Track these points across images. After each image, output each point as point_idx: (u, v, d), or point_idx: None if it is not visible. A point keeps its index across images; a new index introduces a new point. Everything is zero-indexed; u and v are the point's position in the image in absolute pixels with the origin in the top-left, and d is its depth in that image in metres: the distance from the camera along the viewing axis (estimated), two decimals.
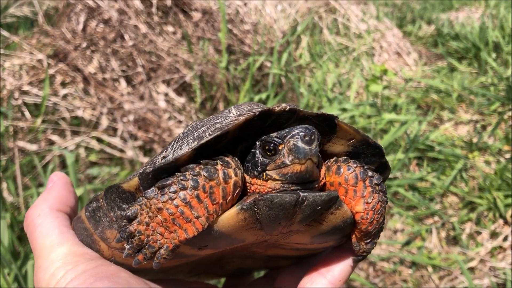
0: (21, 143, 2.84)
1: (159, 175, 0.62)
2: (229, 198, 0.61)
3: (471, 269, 2.37)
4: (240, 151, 0.68)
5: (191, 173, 0.60)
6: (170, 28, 3.75)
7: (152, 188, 0.60)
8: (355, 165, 0.68)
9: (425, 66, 5.00)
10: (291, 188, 0.63)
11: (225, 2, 4.10)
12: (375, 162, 0.74)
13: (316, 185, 0.66)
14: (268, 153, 0.64)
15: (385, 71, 3.82)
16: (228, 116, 0.68)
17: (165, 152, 0.67)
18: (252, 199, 0.59)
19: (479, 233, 2.61)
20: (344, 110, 3.44)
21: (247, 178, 0.66)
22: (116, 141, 2.92)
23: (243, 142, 0.69)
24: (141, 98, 3.24)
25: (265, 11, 4.45)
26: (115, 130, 3.02)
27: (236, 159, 0.64)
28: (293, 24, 4.88)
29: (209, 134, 0.61)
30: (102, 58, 3.37)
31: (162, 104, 3.21)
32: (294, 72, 3.75)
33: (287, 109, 0.64)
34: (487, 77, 4.34)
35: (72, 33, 3.49)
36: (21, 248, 2.20)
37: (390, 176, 2.89)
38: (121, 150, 2.90)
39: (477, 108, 3.74)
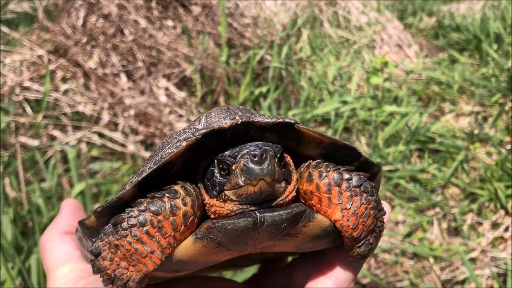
0: (22, 139, 2.85)
1: (116, 208, 0.61)
2: (182, 228, 0.59)
3: (472, 260, 2.37)
4: (204, 168, 0.66)
5: (138, 208, 0.59)
6: (170, 23, 3.75)
7: (108, 225, 0.60)
8: (328, 169, 0.63)
9: (426, 58, 4.99)
10: (250, 209, 0.60)
11: None
12: (354, 161, 0.68)
13: (281, 201, 0.62)
14: (223, 172, 0.61)
15: (385, 64, 3.82)
16: (194, 129, 0.66)
17: (142, 168, 0.67)
18: (205, 228, 0.58)
19: (480, 223, 2.61)
20: (345, 102, 3.44)
21: (207, 198, 0.64)
22: (117, 135, 2.92)
23: (207, 158, 0.66)
24: (142, 92, 3.25)
25: (265, 4, 4.44)
26: (116, 125, 3.03)
27: (188, 185, 0.62)
28: (293, 17, 4.86)
29: (149, 168, 0.61)
30: (103, 53, 3.37)
31: (162, 98, 3.22)
32: (295, 65, 3.75)
33: (239, 122, 0.61)
34: (488, 68, 4.32)
35: (72, 28, 3.49)
36: (24, 243, 2.22)
37: (391, 168, 2.90)
38: (123, 145, 2.91)
39: (478, 100, 3.73)
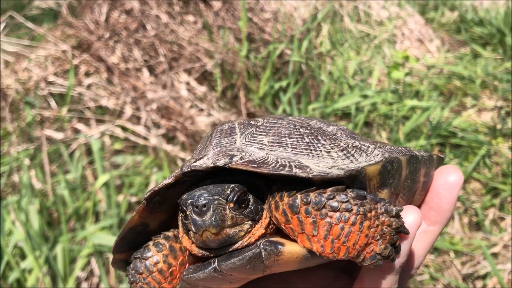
0: (48, 132, 2.92)
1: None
2: (165, 280, 0.64)
3: (494, 255, 2.36)
4: None
5: (129, 269, 0.66)
6: (191, 18, 3.78)
7: None
8: (283, 200, 0.57)
9: (448, 52, 4.93)
10: (211, 254, 0.60)
11: None
12: (329, 181, 0.57)
13: (241, 246, 0.59)
14: (182, 214, 0.61)
15: (407, 58, 3.79)
16: (181, 168, 0.66)
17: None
18: (180, 280, 0.62)
19: (502, 218, 2.59)
20: (365, 96, 3.43)
21: (183, 240, 0.64)
22: (139, 129, 2.97)
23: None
24: (164, 87, 3.29)
25: None
26: (138, 118, 3.08)
27: (161, 239, 0.66)
28: (314, 12, 4.85)
29: (115, 241, 0.67)
30: (125, 48, 3.42)
31: (183, 92, 3.25)
32: (315, 59, 3.75)
33: (179, 176, 0.61)
34: None
35: (95, 24, 3.55)
36: (50, 232, 2.28)
37: None
38: (145, 138, 2.95)
39: (501, 94, 3.68)
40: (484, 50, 4.74)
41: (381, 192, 0.62)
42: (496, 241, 2.41)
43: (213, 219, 0.55)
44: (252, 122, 0.70)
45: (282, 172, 0.56)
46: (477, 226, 2.59)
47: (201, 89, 3.36)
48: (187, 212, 0.57)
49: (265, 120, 0.70)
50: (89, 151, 2.87)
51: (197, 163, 0.61)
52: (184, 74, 3.41)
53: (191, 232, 0.59)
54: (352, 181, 0.58)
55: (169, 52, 3.47)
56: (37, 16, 4.34)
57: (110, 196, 2.37)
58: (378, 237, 0.56)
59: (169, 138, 3.04)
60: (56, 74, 3.33)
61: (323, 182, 0.57)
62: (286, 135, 0.66)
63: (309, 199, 0.55)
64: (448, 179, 0.67)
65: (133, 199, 2.53)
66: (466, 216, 2.64)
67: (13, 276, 1.98)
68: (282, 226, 0.58)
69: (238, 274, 0.58)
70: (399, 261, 0.60)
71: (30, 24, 3.66)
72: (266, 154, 0.62)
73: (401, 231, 0.58)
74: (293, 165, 0.57)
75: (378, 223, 0.56)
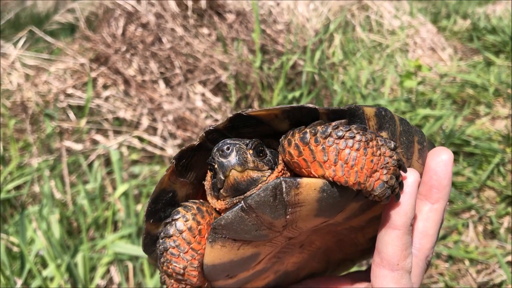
0: (67, 143, 2.99)
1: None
2: (196, 239, 0.67)
3: (510, 263, 2.36)
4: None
5: (160, 238, 0.69)
6: (205, 30, 3.85)
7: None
8: (294, 136, 0.64)
9: (460, 61, 4.94)
10: (240, 198, 0.64)
11: (258, 3, 4.17)
12: (323, 118, 0.66)
13: (263, 182, 0.64)
14: (211, 172, 0.67)
15: (419, 67, 3.81)
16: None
17: None
18: (211, 229, 0.65)
19: None
20: (378, 106, 3.45)
21: (212, 202, 0.69)
22: (156, 140, 3.03)
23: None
24: (179, 98, 3.35)
25: (298, 10, 4.50)
26: (155, 129, 3.14)
27: (189, 202, 0.70)
28: (326, 22, 4.90)
29: (145, 208, 0.72)
30: (142, 61, 3.50)
31: (199, 103, 3.31)
32: (327, 69, 3.79)
33: (203, 136, 0.67)
34: None
35: (112, 37, 3.64)
36: (70, 242, 2.33)
37: None
38: (162, 149, 3.01)
39: None
40: (497, 58, 4.74)
41: (380, 134, 0.68)
42: (511, 249, 2.41)
43: (236, 158, 0.61)
44: None
45: (293, 105, 0.64)
46: (492, 234, 2.59)
47: (216, 100, 3.42)
48: (215, 165, 0.63)
49: None
50: (107, 162, 2.94)
51: (218, 124, 0.68)
52: (199, 86, 3.47)
53: (221, 190, 0.65)
54: (352, 117, 0.66)
55: (184, 64, 3.54)
56: (56, 31, 4.45)
57: (128, 205, 2.43)
58: (383, 166, 0.62)
59: None
60: (75, 86, 3.42)
61: (328, 119, 0.65)
62: None
63: (316, 130, 0.62)
64: (442, 157, 0.74)
65: None
66: (481, 224, 2.65)
67: (35, 284, 2.03)
68: (295, 160, 0.64)
69: (263, 213, 0.61)
70: (407, 216, 0.66)
71: (49, 38, 3.77)
72: None
73: (401, 166, 0.65)
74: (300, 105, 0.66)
75: (380, 153, 0.62)
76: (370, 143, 0.62)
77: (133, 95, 3.29)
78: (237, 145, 0.62)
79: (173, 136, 3.10)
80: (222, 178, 0.62)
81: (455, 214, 2.73)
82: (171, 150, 2.95)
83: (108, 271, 2.23)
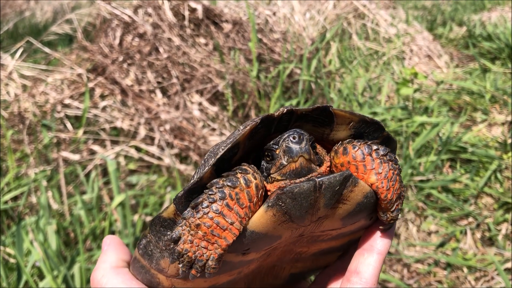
0: (64, 154, 2.99)
1: (191, 197, 0.69)
2: (255, 199, 0.67)
3: (508, 270, 2.35)
4: (253, 160, 0.76)
5: (217, 186, 0.67)
6: (202, 40, 3.87)
7: (187, 209, 0.68)
8: (359, 143, 0.74)
9: (456, 68, 4.96)
10: (295, 182, 0.69)
11: (255, 13, 4.20)
12: (378, 137, 0.80)
13: (314, 174, 0.71)
14: (268, 158, 0.72)
15: (415, 74, 3.83)
16: (238, 131, 0.74)
17: (193, 179, 0.74)
18: (275, 195, 0.65)
19: None
20: (375, 113, 3.46)
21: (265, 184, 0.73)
22: (153, 149, 3.03)
23: (253, 153, 0.76)
24: (177, 108, 3.36)
25: (294, 19, 4.53)
26: (152, 139, 3.14)
27: (253, 165, 0.71)
28: (322, 31, 4.93)
29: (222, 149, 0.69)
30: (139, 70, 3.51)
31: (196, 113, 3.32)
32: (324, 78, 3.80)
33: (284, 111, 0.71)
34: None
35: (109, 47, 3.65)
36: (67, 253, 2.33)
37: (423, 178, 2.91)
38: (159, 158, 3.01)
39: None
40: (493, 65, 4.77)
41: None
42: (509, 256, 2.40)
43: (306, 147, 0.69)
44: None
45: (373, 119, 0.77)
46: (490, 241, 2.59)
47: (213, 109, 3.42)
48: (280, 148, 0.69)
49: None
50: (104, 172, 2.93)
51: (274, 113, 0.72)
52: (196, 95, 3.48)
53: (273, 174, 0.71)
54: (388, 145, 0.80)
55: (181, 74, 3.55)
56: (54, 41, 4.47)
57: (125, 216, 2.42)
58: (402, 194, 0.76)
59: (182, 157, 3.10)
60: (72, 97, 3.42)
61: (373, 137, 0.79)
62: None
63: (378, 147, 0.74)
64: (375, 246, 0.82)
65: (148, 219, 2.58)
66: (479, 231, 2.65)
67: None
68: (345, 166, 0.74)
69: (323, 196, 0.67)
70: (389, 245, 0.78)
71: (46, 49, 3.78)
72: None
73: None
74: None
75: (401, 184, 0.76)
76: (399, 173, 0.75)
77: (130, 105, 3.29)
78: (306, 136, 0.70)
79: (170, 145, 3.10)
80: (285, 163, 0.69)
81: (453, 221, 2.73)
82: (168, 160, 2.95)
83: None
